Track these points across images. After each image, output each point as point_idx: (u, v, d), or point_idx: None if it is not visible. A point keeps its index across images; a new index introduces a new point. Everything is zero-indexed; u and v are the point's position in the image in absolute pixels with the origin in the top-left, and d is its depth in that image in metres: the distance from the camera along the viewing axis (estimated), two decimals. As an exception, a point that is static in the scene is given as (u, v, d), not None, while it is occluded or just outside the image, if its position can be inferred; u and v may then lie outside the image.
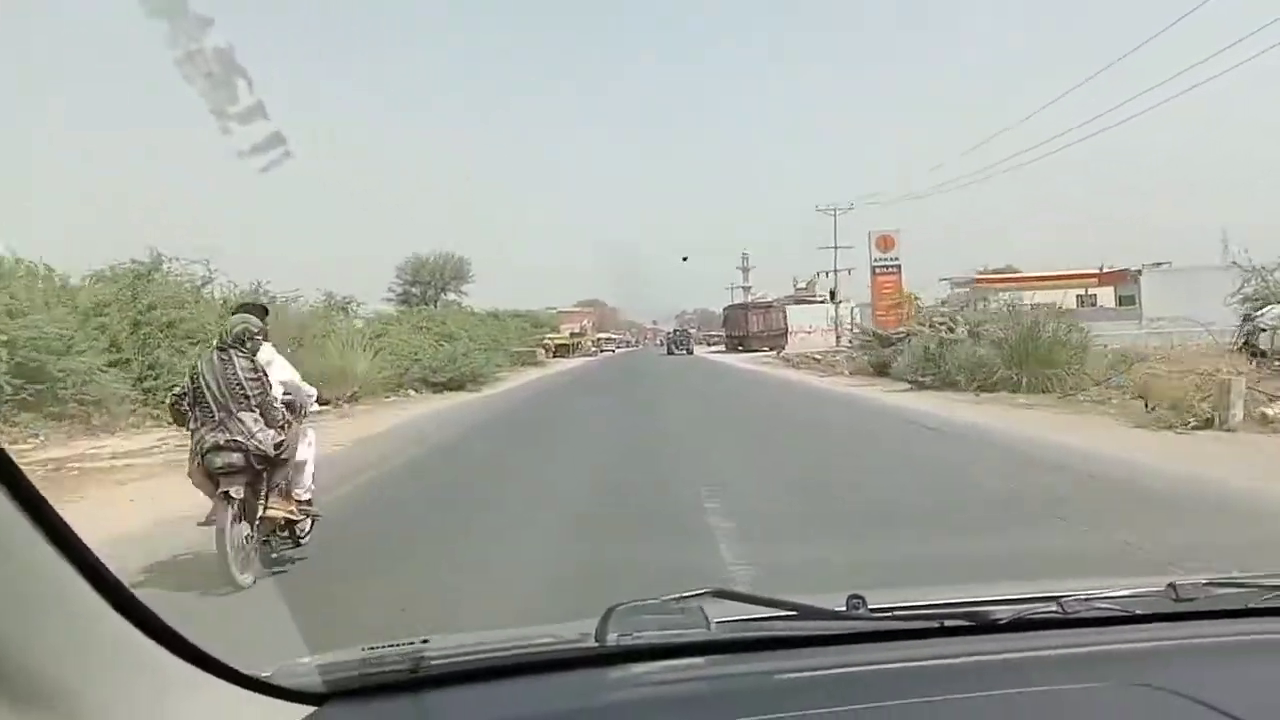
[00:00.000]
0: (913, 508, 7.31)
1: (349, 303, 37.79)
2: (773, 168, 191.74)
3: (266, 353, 6.11)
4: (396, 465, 11.04)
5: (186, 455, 5.78)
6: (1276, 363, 16.26)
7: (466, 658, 1.37)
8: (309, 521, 6.26)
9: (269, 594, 5.16)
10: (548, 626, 1.53)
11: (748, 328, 63.37)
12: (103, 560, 0.98)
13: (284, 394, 6.12)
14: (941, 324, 28.55)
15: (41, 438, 13.79)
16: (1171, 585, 1.51)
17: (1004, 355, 18.69)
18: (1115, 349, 20.17)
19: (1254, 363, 16.02)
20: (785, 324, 61.16)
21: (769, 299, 70.64)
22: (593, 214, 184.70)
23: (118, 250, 22.51)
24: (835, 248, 58.75)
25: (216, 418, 5.50)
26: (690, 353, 65.96)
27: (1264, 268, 20.41)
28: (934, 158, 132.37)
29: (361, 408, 20.82)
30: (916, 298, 42.32)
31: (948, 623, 1.44)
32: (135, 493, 8.89)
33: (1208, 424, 11.26)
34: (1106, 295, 60.30)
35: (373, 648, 1.38)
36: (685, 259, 53.37)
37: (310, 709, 1.25)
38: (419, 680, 1.31)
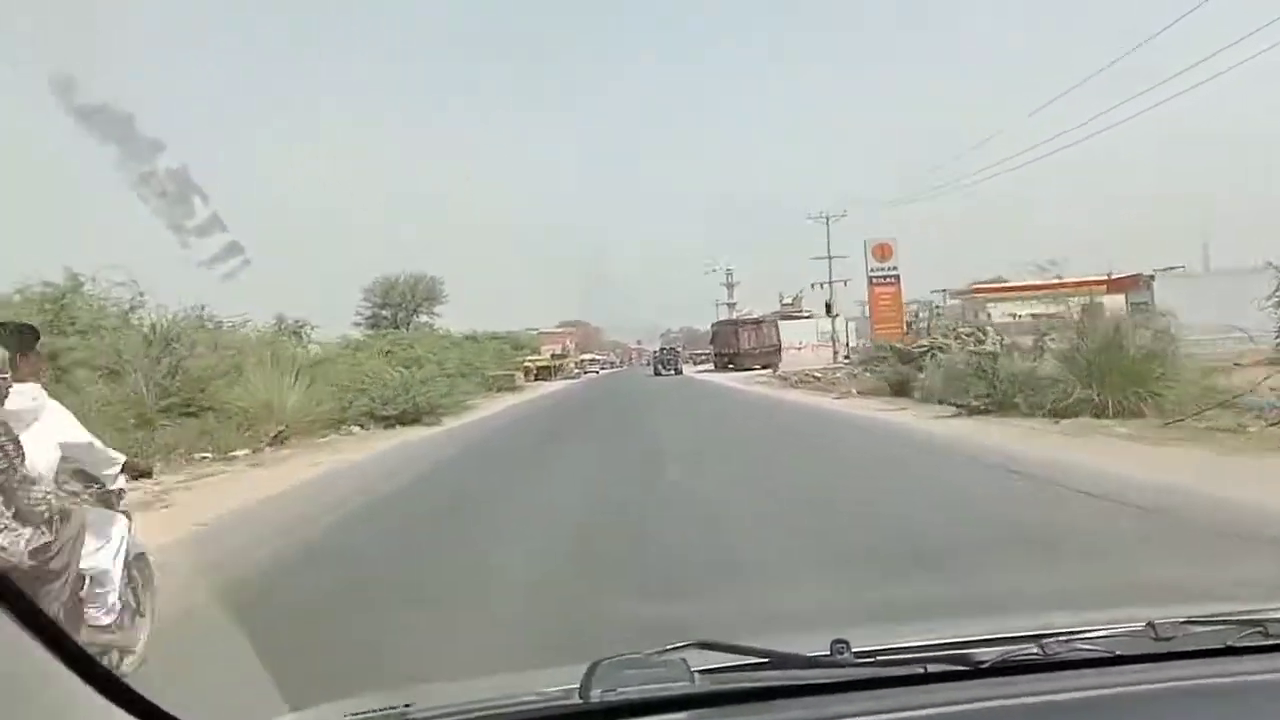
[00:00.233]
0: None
1: (302, 326, 34.09)
2: (755, 182, 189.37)
3: (22, 401, 4.01)
4: (271, 558, 7.22)
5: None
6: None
7: (451, 717, 1.39)
8: (118, 655, 4.29)
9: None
10: (532, 676, 1.64)
11: (738, 345, 59.75)
12: None
13: (60, 463, 4.25)
14: (969, 335, 25.02)
15: None
16: (1150, 624, 1.52)
17: (1077, 371, 15.11)
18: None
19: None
20: (778, 340, 57.64)
21: (754, 315, 67.32)
22: (573, 233, 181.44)
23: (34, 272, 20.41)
24: (829, 258, 55.40)
25: None
26: (679, 373, 62.29)
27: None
28: (922, 165, 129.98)
29: (284, 452, 16.97)
30: (939, 308, 38.83)
31: (930, 668, 1.45)
32: None
33: None
34: (1110, 302, 57.50)
35: (356, 714, 1.40)
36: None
37: None
38: None
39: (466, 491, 10.40)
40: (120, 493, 4.74)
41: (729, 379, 46.79)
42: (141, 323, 23.37)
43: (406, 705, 1.40)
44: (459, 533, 7.86)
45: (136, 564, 4.74)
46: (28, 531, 3.79)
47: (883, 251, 53.67)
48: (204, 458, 16.32)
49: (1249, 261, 19.16)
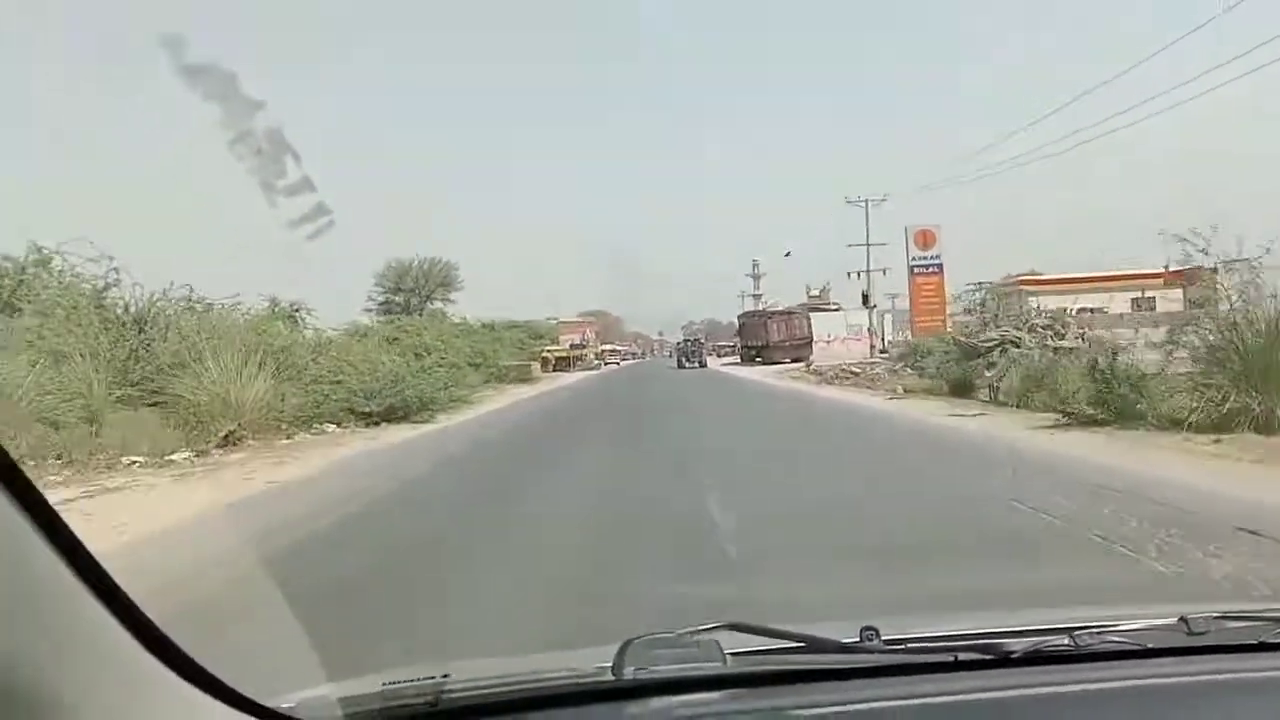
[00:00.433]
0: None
1: (297, 310, 31.25)
2: (783, 172, 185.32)
3: None
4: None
5: None
6: None
7: (486, 690, 1.39)
8: None
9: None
10: (565, 656, 1.61)
11: (767, 337, 56.29)
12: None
13: None
14: (1046, 328, 21.63)
15: None
16: (1183, 619, 1.50)
17: (1230, 373, 11.81)
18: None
19: None
20: (810, 332, 54.28)
21: (780, 307, 64.01)
22: (597, 222, 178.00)
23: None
24: (868, 245, 51.80)
25: None
26: (703, 365, 59.05)
27: None
28: (954, 154, 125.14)
29: (234, 456, 13.95)
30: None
31: (961, 656, 1.44)
32: None
33: None
34: (1168, 299, 53.36)
35: (393, 683, 1.39)
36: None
37: None
38: (439, 714, 1.34)
39: (417, 539, 7.24)
40: None
41: (758, 373, 43.44)
42: (115, 303, 21.07)
43: (445, 676, 1.40)
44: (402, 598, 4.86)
45: None
46: None
47: (925, 239, 50.20)
48: (134, 462, 13.37)
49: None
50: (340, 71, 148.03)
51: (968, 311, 28.27)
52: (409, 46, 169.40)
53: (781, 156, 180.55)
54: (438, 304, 62.58)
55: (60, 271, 21.83)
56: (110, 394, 16.43)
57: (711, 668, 1.37)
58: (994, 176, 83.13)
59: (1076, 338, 20.74)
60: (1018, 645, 1.44)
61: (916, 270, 49.26)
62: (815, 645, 1.46)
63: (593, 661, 1.41)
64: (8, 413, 14.21)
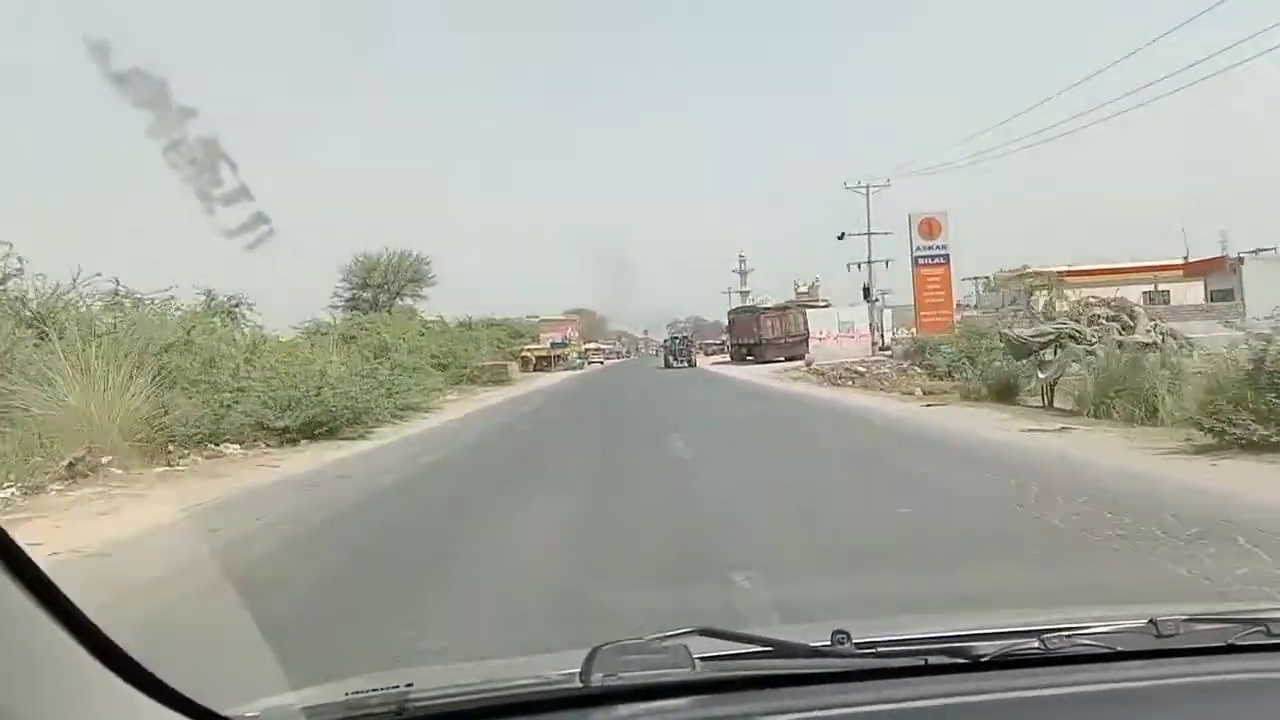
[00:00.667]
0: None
1: (236, 305, 27.34)
2: (768, 168, 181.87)
3: None
4: None
5: None
6: None
7: (451, 699, 1.37)
8: None
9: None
10: (533, 663, 1.60)
11: (760, 334, 52.68)
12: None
13: None
14: (1112, 319, 18.08)
15: None
16: (1152, 621, 1.49)
17: None
18: None
19: None
20: (806, 328, 50.75)
21: (770, 303, 60.58)
22: (581, 218, 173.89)
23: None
24: (869, 234, 48.23)
25: None
26: (692, 364, 55.50)
27: None
28: (952, 139, 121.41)
29: (76, 493, 10.17)
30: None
31: (931, 660, 1.43)
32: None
33: None
34: (1187, 290, 50.08)
35: (357, 692, 1.38)
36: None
37: None
38: None
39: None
40: None
41: (753, 373, 39.80)
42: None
43: (408, 685, 1.36)
44: None
45: None
46: None
47: (930, 227, 46.75)
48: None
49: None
50: (315, 65, 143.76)
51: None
52: (386, 38, 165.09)
53: (767, 151, 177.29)
54: (408, 300, 58.89)
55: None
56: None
57: (680, 674, 1.34)
58: (989, 164, 79.91)
59: (1149, 331, 17.20)
60: (987, 648, 1.42)
61: (921, 261, 45.83)
62: (785, 650, 1.46)
63: (560, 668, 1.37)
64: None
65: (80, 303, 18.91)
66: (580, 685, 1.30)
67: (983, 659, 1.40)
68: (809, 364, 39.29)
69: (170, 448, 13.74)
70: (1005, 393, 19.32)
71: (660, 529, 7.17)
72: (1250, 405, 9.23)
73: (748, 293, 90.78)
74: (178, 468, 12.95)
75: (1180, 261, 50.07)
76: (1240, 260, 45.79)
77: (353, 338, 35.58)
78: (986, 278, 49.55)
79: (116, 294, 21.64)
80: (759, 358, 50.14)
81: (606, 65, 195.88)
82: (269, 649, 2.71)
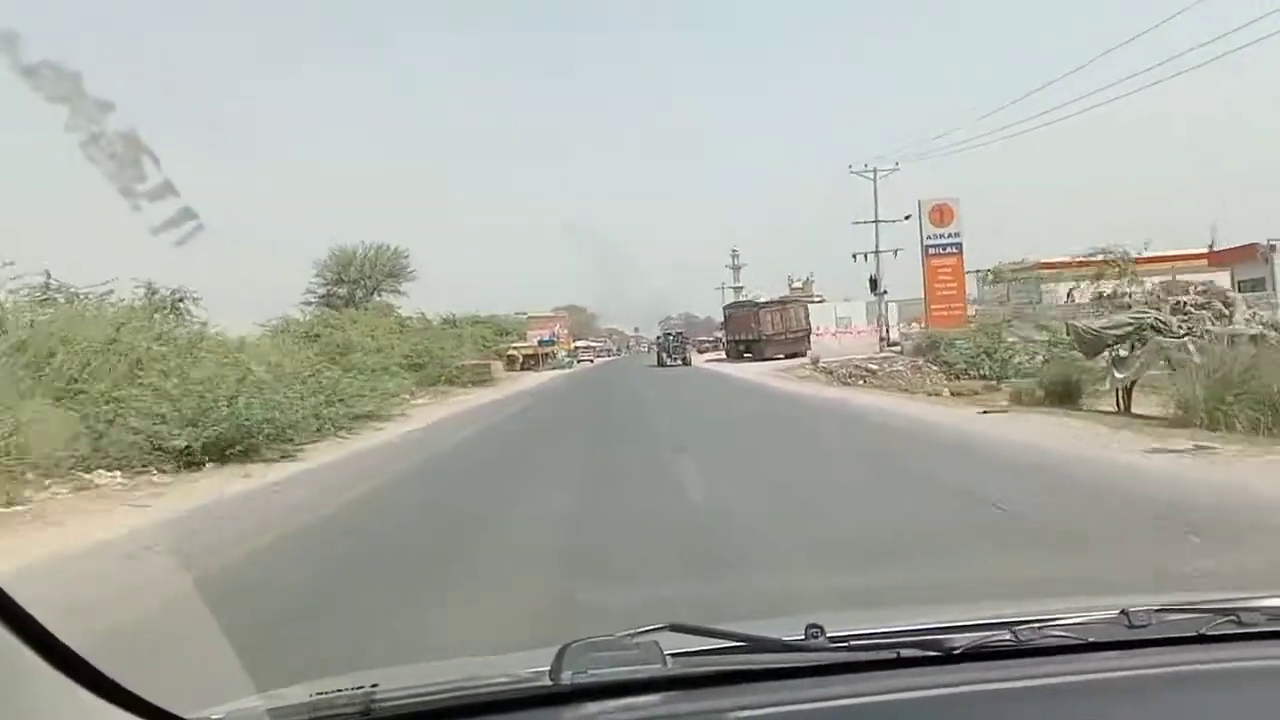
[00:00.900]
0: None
1: (181, 299, 24.30)
2: (759, 162, 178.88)
3: None
4: None
5: None
6: None
7: (418, 698, 1.33)
8: None
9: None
10: (502, 661, 1.54)
11: (759, 330, 49.74)
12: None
13: None
14: (1204, 307, 15.06)
15: None
16: (1124, 612, 1.49)
17: None
18: None
19: None
20: (808, 324, 47.91)
21: (764, 298, 57.83)
22: (571, 212, 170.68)
23: None
24: (876, 221, 45.17)
25: None
26: (687, 363, 52.49)
27: None
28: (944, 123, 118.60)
29: None
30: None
31: (904, 653, 1.42)
32: None
33: None
34: (1212, 281, 47.19)
35: (322, 693, 1.35)
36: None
37: None
38: None
39: None
40: None
41: (752, 371, 36.72)
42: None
43: (373, 685, 1.33)
44: None
45: None
46: None
47: (942, 215, 43.78)
48: None
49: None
50: (301, 62, 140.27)
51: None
52: (375, 33, 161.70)
53: (760, 145, 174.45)
54: (386, 296, 55.74)
55: None
56: None
57: (651, 670, 1.33)
58: (983, 152, 77.04)
59: (1249, 320, 14.19)
60: (960, 641, 1.41)
61: (932, 250, 42.91)
62: (757, 645, 1.44)
63: (529, 666, 1.35)
64: None
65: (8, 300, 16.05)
66: (550, 683, 1.29)
67: (955, 651, 1.40)
68: (815, 361, 36.34)
69: (29, 475, 10.63)
70: (1066, 395, 16.35)
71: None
72: None
73: (741, 288, 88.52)
74: (35, 503, 9.86)
75: (1204, 251, 47.30)
76: (1272, 248, 43.16)
77: (317, 336, 32.46)
78: (988, 271, 46.86)
79: (48, 287, 18.90)
80: (758, 355, 47.31)
81: (594, 60, 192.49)
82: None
